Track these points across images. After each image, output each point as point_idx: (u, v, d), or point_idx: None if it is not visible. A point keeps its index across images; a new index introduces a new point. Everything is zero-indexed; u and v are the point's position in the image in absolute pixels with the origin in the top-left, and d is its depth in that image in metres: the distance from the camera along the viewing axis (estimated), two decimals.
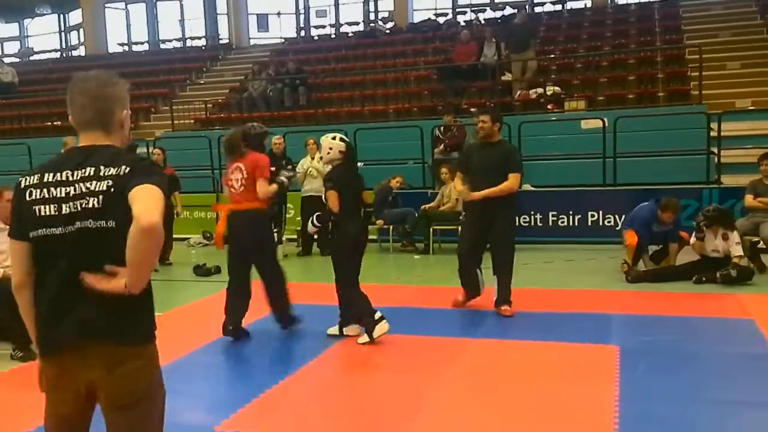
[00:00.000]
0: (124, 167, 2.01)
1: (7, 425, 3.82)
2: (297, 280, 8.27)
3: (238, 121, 14.95)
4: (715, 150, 9.85)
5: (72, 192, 2.00)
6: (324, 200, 5.15)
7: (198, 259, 9.11)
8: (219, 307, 6.81)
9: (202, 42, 22.50)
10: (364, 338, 5.07)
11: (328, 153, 5.13)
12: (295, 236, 10.14)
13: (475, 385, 4.24)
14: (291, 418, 3.87)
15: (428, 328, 5.46)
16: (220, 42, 21.96)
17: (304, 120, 14.28)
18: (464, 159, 6.20)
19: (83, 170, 2.02)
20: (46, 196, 2.02)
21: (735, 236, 6.94)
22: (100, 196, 1.98)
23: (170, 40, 23.09)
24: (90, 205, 1.98)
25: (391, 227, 9.65)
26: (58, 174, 2.04)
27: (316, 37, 20.29)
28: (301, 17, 22.00)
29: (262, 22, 21.82)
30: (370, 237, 10.06)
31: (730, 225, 7.01)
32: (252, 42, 21.30)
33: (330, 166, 5.29)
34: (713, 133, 9.91)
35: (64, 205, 2.00)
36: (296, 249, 9.94)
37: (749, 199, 7.52)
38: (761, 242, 7.43)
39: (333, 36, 20.11)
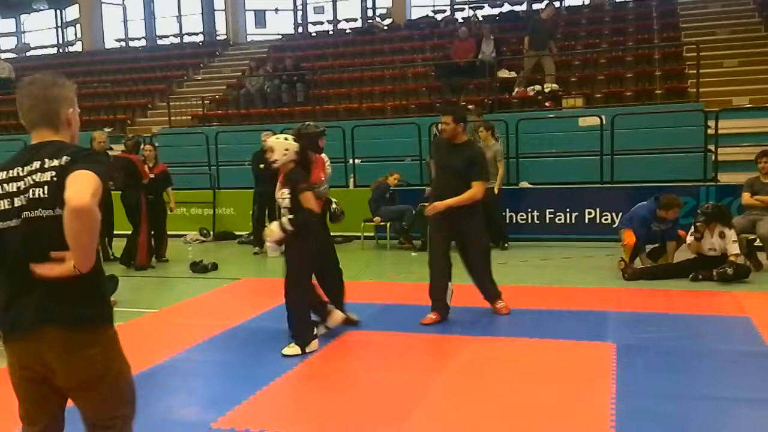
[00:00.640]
0: (65, 158, 2.15)
1: (3, 423, 3.81)
2: None
3: (235, 118, 14.99)
4: (713, 148, 9.86)
5: (22, 186, 2.16)
6: (287, 203, 4.80)
7: (194, 256, 9.11)
8: (216, 303, 6.83)
9: (200, 38, 22.45)
10: (295, 350, 4.77)
11: (285, 154, 4.83)
12: None
13: (472, 383, 4.24)
14: (288, 414, 3.87)
15: (425, 326, 5.45)
16: (218, 38, 21.91)
17: (301, 117, 14.21)
18: (431, 150, 6.16)
19: (30, 165, 2.18)
20: (1, 192, 2.18)
21: (732, 234, 6.94)
22: (45, 187, 2.13)
23: (167, 36, 23.03)
24: (37, 196, 2.13)
25: (388, 224, 9.64)
26: (11, 171, 2.20)
27: (313, 34, 20.27)
28: (299, 13, 21.97)
29: (260, 18, 21.80)
30: (368, 234, 10.14)
31: (727, 223, 7.02)
32: (249, 38, 21.26)
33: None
34: (710, 131, 9.92)
35: (15, 199, 2.16)
36: None
37: (746, 197, 7.53)
38: (758, 240, 7.45)
39: (330, 32, 20.08)
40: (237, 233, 11.13)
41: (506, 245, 9.25)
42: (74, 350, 2.17)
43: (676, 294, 6.45)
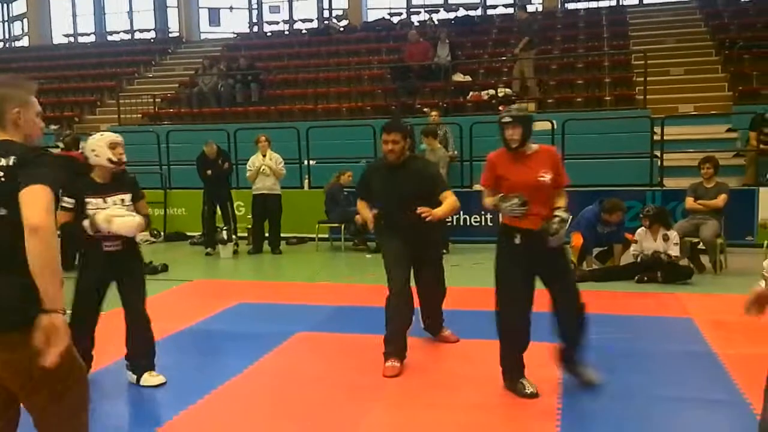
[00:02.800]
0: (12, 158, 2.21)
1: None
2: (248, 279, 8.22)
3: (187, 117, 14.76)
4: (658, 153, 10.14)
5: None
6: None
7: (145, 257, 8.90)
8: (166, 305, 6.70)
9: (151, 35, 22.04)
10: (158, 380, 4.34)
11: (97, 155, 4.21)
12: (246, 234, 10.04)
13: (422, 384, 4.25)
14: (235, 419, 3.82)
15: (378, 328, 5.45)
16: (170, 35, 21.55)
17: (256, 117, 14.14)
18: (365, 184, 4.84)
19: None
20: None
21: (675, 237, 7.17)
22: None
23: (117, 32, 22.53)
24: None
25: (342, 226, 9.63)
26: None
27: (268, 33, 20.12)
28: (254, 12, 21.77)
29: (214, 16, 21.52)
30: (322, 236, 10.11)
31: (667, 225, 7.24)
32: (203, 36, 20.98)
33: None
34: (656, 137, 10.21)
35: None
36: (247, 247, 9.84)
37: (690, 202, 7.77)
38: (701, 243, 7.69)
39: (286, 32, 19.97)
40: (189, 234, 10.96)
41: (445, 251, 9.16)
42: (6, 352, 2.17)
43: (622, 296, 6.61)
